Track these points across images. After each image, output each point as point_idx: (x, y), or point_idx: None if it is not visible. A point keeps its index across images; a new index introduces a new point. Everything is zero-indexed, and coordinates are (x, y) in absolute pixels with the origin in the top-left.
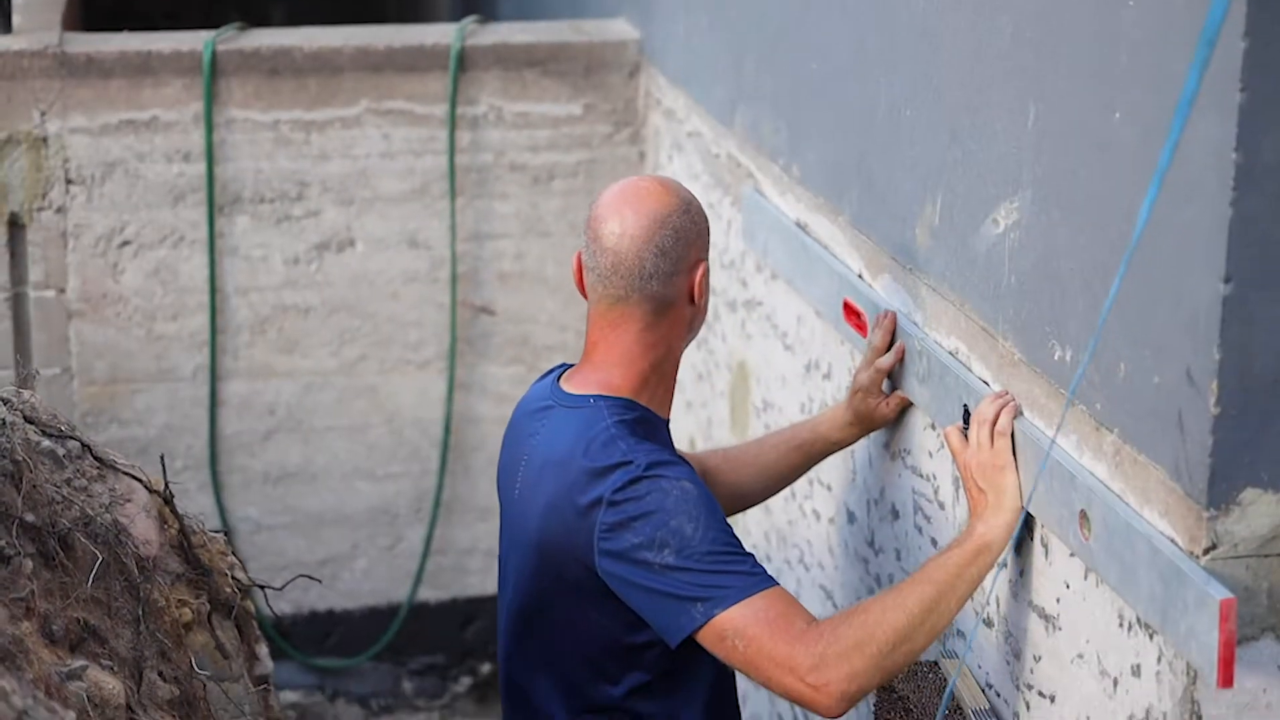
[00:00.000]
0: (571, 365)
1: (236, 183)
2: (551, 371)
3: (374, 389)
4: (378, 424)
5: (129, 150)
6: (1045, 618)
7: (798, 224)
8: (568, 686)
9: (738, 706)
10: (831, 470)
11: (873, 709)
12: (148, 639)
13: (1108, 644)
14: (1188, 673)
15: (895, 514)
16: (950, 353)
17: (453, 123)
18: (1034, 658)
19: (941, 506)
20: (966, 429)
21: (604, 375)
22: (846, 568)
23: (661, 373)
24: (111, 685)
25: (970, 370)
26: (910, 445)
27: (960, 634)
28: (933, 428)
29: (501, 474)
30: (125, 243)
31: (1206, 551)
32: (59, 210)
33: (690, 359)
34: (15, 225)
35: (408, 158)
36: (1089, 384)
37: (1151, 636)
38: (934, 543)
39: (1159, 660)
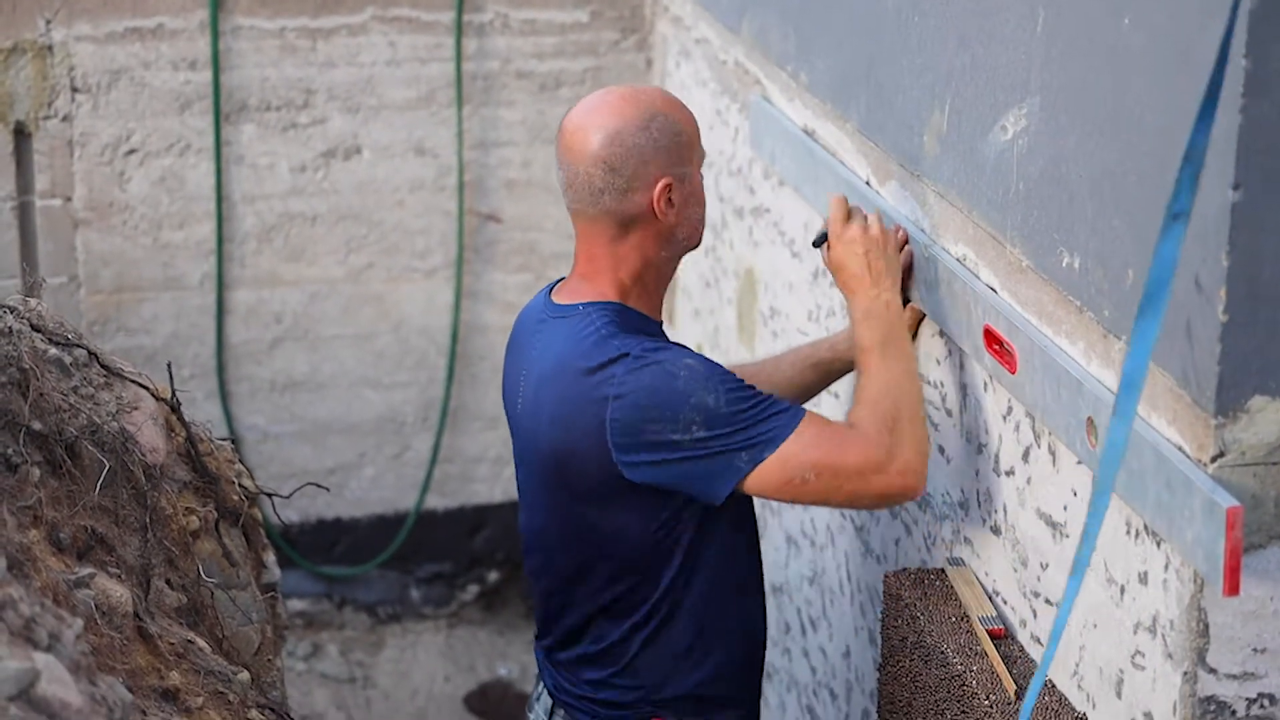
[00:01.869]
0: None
1: (242, 91)
2: (551, 285)
3: (380, 297)
4: (384, 332)
5: (135, 58)
6: (1052, 525)
7: (805, 131)
8: (604, 593)
9: (760, 576)
10: (839, 380)
11: (880, 617)
12: (155, 547)
13: (1115, 552)
14: (1194, 580)
15: None
16: (958, 259)
17: (459, 30)
18: (1040, 565)
19: (949, 413)
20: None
21: (588, 285)
22: None
23: (643, 283)
24: (119, 593)
25: (978, 277)
26: (917, 352)
27: (968, 541)
28: (940, 335)
29: (505, 390)
30: (131, 151)
31: (1214, 459)
32: (65, 119)
33: (697, 266)
34: (21, 134)
35: (414, 65)
36: (1097, 291)
37: (1159, 544)
38: (941, 450)
39: (1166, 568)
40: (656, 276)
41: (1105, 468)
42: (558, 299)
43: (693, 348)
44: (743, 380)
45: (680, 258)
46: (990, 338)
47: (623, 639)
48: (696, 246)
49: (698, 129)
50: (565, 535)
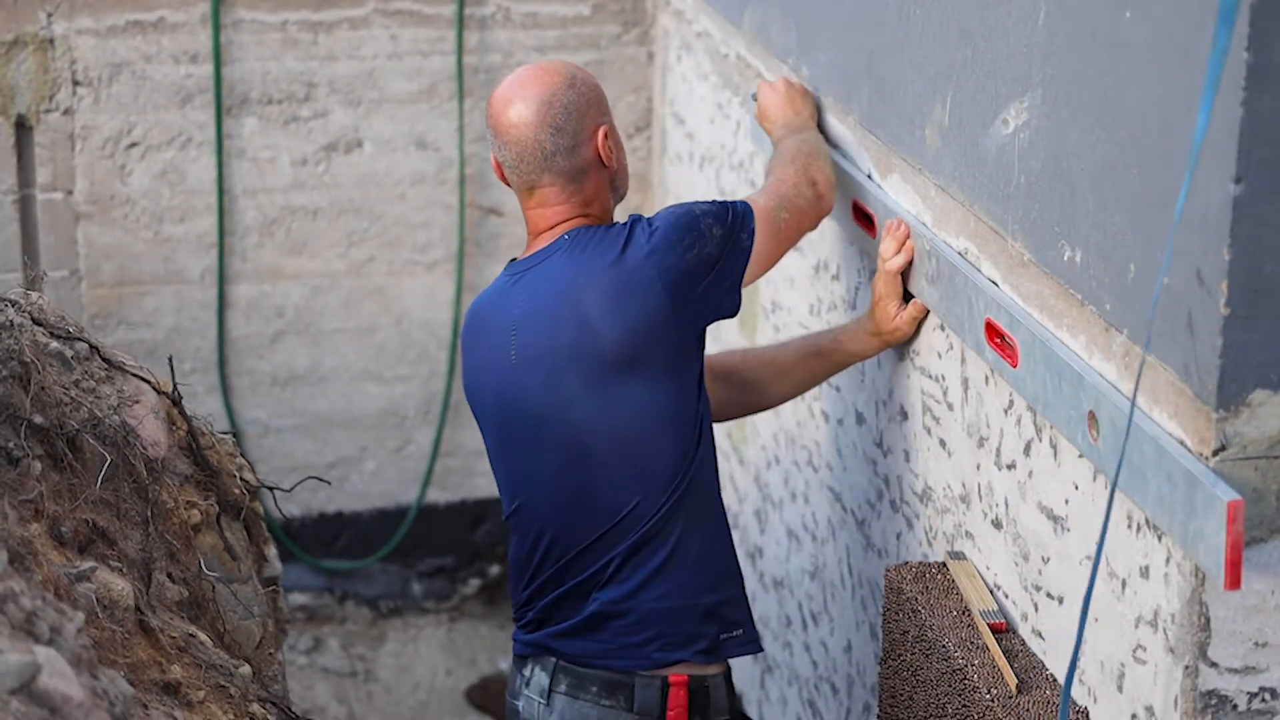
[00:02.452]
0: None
1: (244, 84)
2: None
3: (382, 290)
4: (386, 326)
5: (136, 51)
6: (1053, 519)
7: None
8: (650, 483)
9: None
10: (840, 372)
11: (881, 611)
12: (156, 540)
13: (1116, 545)
14: (1196, 574)
15: (904, 414)
16: (959, 253)
17: (460, 23)
18: (1042, 559)
19: (950, 407)
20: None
21: (555, 232)
22: (855, 469)
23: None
24: (120, 586)
25: (979, 270)
26: (919, 346)
27: (969, 534)
28: (942, 329)
29: (479, 368)
30: (133, 144)
31: (1216, 453)
32: (66, 112)
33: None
34: (22, 127)
35: (415, 58)
36: (1098, 285)
37: (1160, 538)
38: (942, 444)
39: (1167, 562)
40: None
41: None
42: (525, 257)
43: None
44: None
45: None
46: (991, 331)
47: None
48: (624, 196)
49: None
50: (607, 437)
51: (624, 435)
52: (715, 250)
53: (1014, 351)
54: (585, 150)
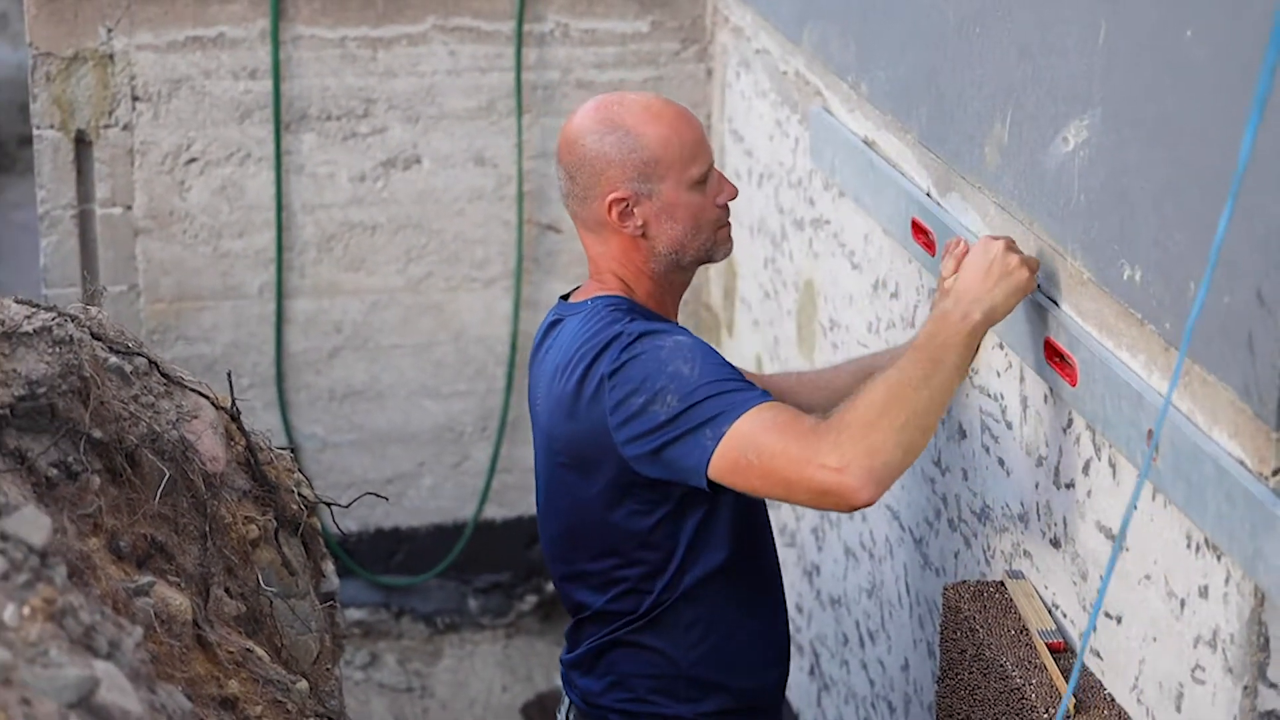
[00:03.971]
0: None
1: (303, 100)
2: (565, 294)
3: (440, 307)
4: (444, 342)
5: (195, 67)
6: (1112, 539)
7: (865, 141)
8: (604, 585)
9: (776, 571)
10: None
11: (939, 630)
12: (214, 555)
13: (1175, 565)
14: (1255, 594)
15: (962, 433)
16: None
17: (519, 39)
18: (1100, 579)
19: (1009, 426)
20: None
21: (595, 284)
22: (913, 487)
23: (645, 287)
24: (178, 601)
25: (1039, 289)
26: (978, 364)
27: (1027, 553)
28: (1001, 347)
29: (530, 394)
30: (192, 160)
31: (1276, 473)
32: (125, 127)
33: (757, 277)
34: (82, 142)
35: (474, 75)
36: (1158, 304)
37: (1219, 558)
38: (1000, 462)
39: (1227, 582)
40: (655, 285)
41: None
42: (572, 299)
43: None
44: (732, 365)
45: (688, 269)
46: (1050, 350)
47: (611, 643)
48: (708, 260)
49: (682, 146)
50: (571, 523)
51: (573, 525)
52: (666, 429)
53: (1073, 370)
54: (596, 207)
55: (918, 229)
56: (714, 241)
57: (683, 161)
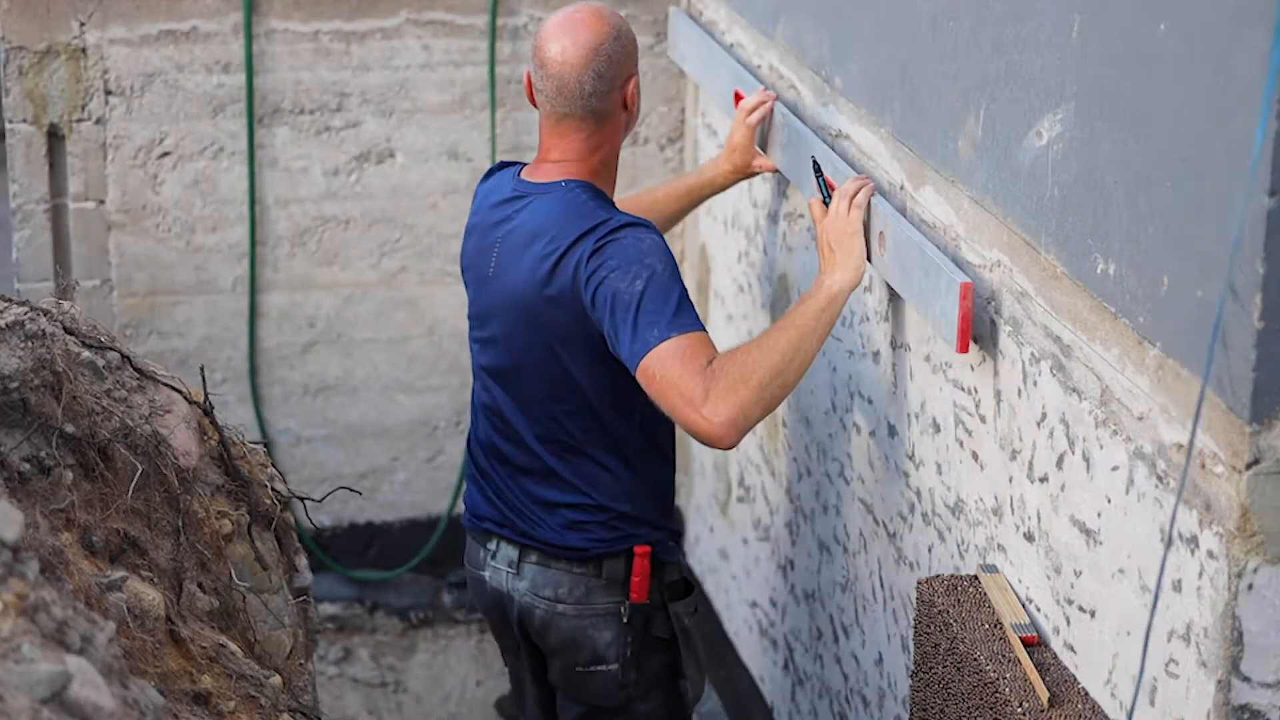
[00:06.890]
0: (511, 165)
1: (276, 94)
2: (495, 172)
3: (413, 301)
4: (418, 336)
5: (169, 61)
6: (1086, 532)
7: (839, 135)
8: (565, 430)
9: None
10: (872, 384)
11: (913, 624)
12: (187, 550)
13: (1149, 558)
14: (1229, 588)
15: (936, 427)
16: (993, 264)
17: (493, 33)
18: (1074, 572)
19: (983, 419)
20: (820, 184)
21: (564, 168)
22: (887, 481)
23: (607, 166)
24: (151, 596)
25: (1013, 279)
26: (951, 359)
27: (1001, 548)
28: (974, 341)
29: (471, 262)
30: (165, 154)
31: (1249, 466)
32: (98, 121)
33: (730, 271)
34: (55, 136)
35: (448, 69)
36: (1131, 297)
37: (1192, 552)
38: (974, 456)
39: (1200, 575)
40: (615, 162)
41: None
42: (533, 179)
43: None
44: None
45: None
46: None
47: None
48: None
49: None
50: (540, 370)
51: (543, 369)
52: (625, 301)
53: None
54: (616, 96)
55: (738, 99)
56: None
57: None
